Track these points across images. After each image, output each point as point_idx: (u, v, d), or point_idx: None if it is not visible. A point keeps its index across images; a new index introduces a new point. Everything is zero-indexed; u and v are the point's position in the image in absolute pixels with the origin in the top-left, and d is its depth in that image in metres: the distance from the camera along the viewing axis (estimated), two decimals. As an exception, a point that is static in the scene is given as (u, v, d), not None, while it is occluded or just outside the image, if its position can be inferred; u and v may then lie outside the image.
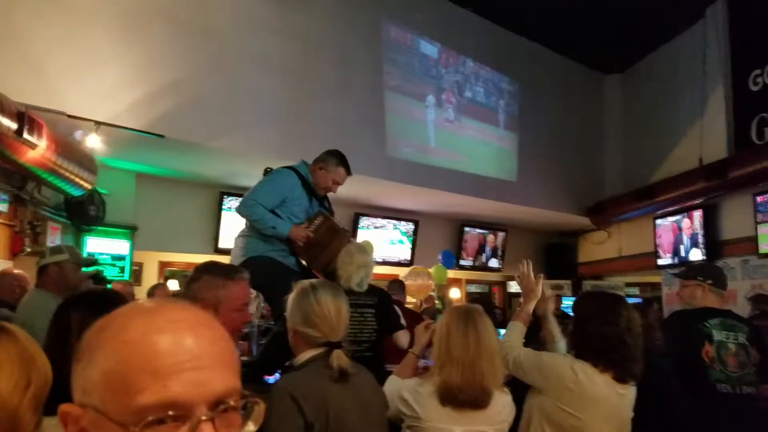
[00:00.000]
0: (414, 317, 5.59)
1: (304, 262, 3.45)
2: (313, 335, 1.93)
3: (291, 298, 2.02)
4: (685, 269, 3.22)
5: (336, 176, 3.51)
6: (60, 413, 0.64)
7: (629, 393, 2.22)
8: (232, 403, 0.65)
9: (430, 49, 7.54)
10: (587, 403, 2.16)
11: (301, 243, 3.29)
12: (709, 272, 2.98)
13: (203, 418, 0.61)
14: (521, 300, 2.66)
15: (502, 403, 2.11)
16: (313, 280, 2.12)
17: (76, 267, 3.21)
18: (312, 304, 1.97)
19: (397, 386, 2.21)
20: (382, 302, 3.17)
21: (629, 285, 9.42)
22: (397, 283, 5.52)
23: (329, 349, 1.90)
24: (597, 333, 2.18)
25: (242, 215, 3.32)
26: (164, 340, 0.63)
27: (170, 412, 0.60)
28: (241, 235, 3.43)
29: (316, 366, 1.89)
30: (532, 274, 2.64)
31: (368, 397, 1.95)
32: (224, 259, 7.59)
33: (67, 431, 0.64)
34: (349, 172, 3.57)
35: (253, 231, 3.35)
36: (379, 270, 8.06)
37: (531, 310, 2.59)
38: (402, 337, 3.19)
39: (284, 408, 1.71)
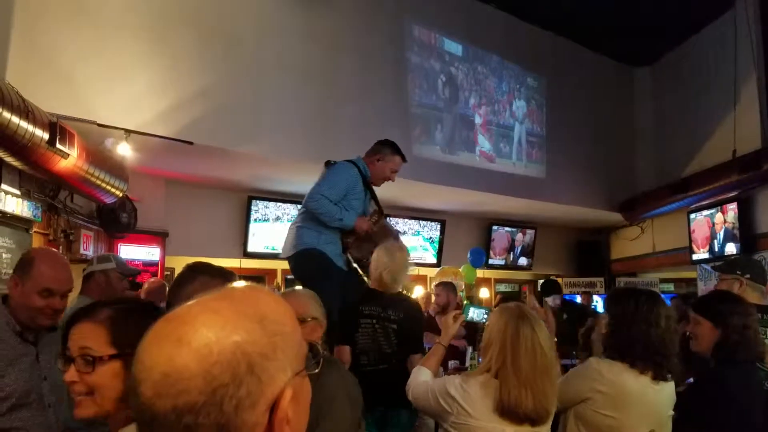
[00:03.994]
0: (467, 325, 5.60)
1: (351, 258, 3.55)
2: None
3: (316, 299, 2.18)
4: (724, 263, 3.13)
5: (393, 165, 3.64)
6: (278, 420, 0.66)
7: (666, 389, 2.17)
8: None
9: (454, 47, 7.50)
10: (621, 403, 2.12)
11: (362, 234, 3.42)
12: (747, 266, 2.89)
13: None
14: None
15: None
16: None
17: (121, 276, 3.26)
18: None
19: (439, 382, 2.14)
20: (407, 318, 3.01)
21: (663, 281, 9.26)
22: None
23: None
24: (634, 332, 2.14)
25: (310, 209, 3.38)
26: None
27: None
28: (296, 225, 3.49)
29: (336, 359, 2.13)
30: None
31: None
32: (253, 264, 7.68)
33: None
34: (404, 159, 3.72)
35: (309, 222, 3.41)
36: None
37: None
38: (414, 361, 3.05)
39: (344, 387, 1.98)
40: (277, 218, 7.40)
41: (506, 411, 1.91)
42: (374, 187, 3.70)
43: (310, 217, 3.41)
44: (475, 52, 7.70)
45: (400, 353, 2.98)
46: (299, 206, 3.69)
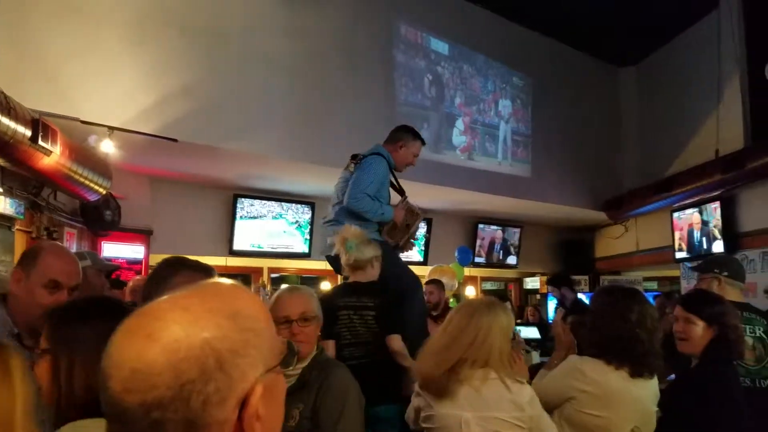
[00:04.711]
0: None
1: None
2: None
3: (313, 296, 2.22)
4: (702, 262, 3.18)
5: (416, 150, 3.79)
6: (248, 416, 0.66)
7: (649, 386, 2.19)
8: None
9: (441, 45, 7.51)
10: (605, 401, 2.14)
11: (400, 223, 3.55)
12: (725, 264, 2.94)
13: None
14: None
15: None
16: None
17: (98, 272, 3.23)
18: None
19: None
20: (382, 304, 3.05)
21: (647, 279, 9.35)
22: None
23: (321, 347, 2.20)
24: (609, 330, 2.16)
25: (354, 209, 3.44)
26: None
27: None
28: (336, 222, 3.53)
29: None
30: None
31: None
32: (239, 262, 7.65)
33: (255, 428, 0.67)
34: (424, 143, 3.87)
35: (349, 219, 3.45)
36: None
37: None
38: (393, 342, 3.03)
39: (357, 388, 2.06)
40: (263, 216, 7.38)
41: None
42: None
43: (348, 214, 3.48)
44: (462, 51, 7.71)
45: (380, 339, 2.99)
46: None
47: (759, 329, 2.70)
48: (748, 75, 7.11)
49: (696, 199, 7.68)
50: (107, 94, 4.77)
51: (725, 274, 2.83)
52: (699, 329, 2.33)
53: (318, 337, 2.14)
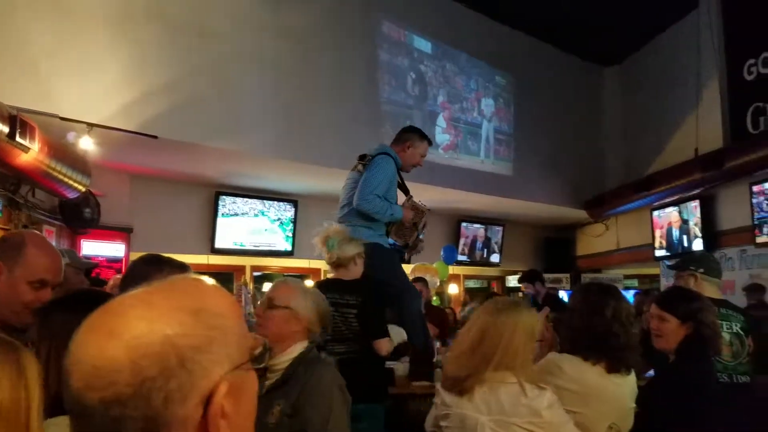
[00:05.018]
0: (439, 314, 5.68)
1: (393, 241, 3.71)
2: (317, 335, 2.09)
3: (306, 292, 2.14)
4: (679, 260, 3.21)
5: (423, 150, 3.82)
6: (212, 414, 0.65)
7: (627, 382, 2.20)
8: None
9: (423, 44, 7.52)
10: (583, 397, 2.15)
11: (408, 224, 3.61)
12: (701, 262, 2.97)
13: None
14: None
15: None
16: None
17: (77, 271, 3.20)
18: (327, 309, 2.16)
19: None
20: (365, 302, 3.05)
21: (628, 277, 9.44)
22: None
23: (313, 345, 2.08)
24: (584, 325, 2.18)
25: (364, 210, 3.43)
26: None
27: None
28: (345, 223, 3.50)
29: (328, 358, 2.15)
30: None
31: None
32: (221, 260, 7.61)
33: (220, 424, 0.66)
34: (431, 143, 3.90)
35: (359, 219, 3.48)
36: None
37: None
38: (382, 345, 3.06)
39: (341, 387, 1.98)
40: (245, 214, 7.35)
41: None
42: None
43: (357, 214, 3.48)
44: (445, 50, 7.73)
45: (362, 338, 3.00)
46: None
47: (736, 325, 2.74)
48: (728, 75, 7.21)
49: (676, 197, 7.78)
50: (87, 91, 4.72)
51: (701, 271, 2.86)
52: (672, 326, 2.35)
53: (302, 332, 2.07)
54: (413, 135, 3.80)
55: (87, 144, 4.75)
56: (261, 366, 0.76)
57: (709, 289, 2.79)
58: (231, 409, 0.66)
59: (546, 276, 9.34)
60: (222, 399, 0.65)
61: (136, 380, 0.61)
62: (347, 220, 3.51)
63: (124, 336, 0.62)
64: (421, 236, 3.83)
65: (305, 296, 2.09)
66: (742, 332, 2.73)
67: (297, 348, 2.02)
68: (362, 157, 3.66)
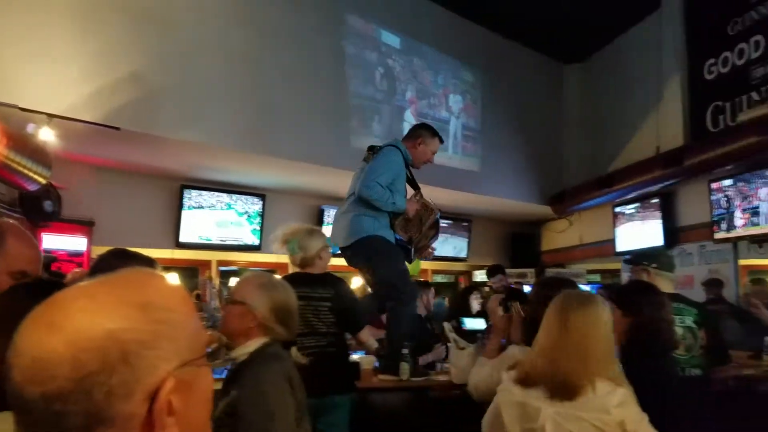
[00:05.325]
0: None
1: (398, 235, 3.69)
2: (279, 332, 2.03)
3: (262, 287, 2.06)
4: (633, 255, 3.30)
5: (434, 147, 3.84)
6: (157, 411, 0.64)
7: None
8: None
9: (392, 39, 7.53)
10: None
11: (411, 216, 3.61)
12: (653, 257, 3.07)
13: None
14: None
15: None
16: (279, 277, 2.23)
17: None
18: (287, 305, 2.07)
19: None
20: (338, 295, 3.08)
21: (591, 272, 9.60)
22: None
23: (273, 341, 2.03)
24: (537, 317, 2.23)
25: (365, 197, 3.45)
26: None
27: None
28: (351, 213, 3.54)
29: (286, 354, 2.04)
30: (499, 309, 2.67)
31: None
32: (186, 255, 7.51)
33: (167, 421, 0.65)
34: (442, 141, 3.93)
35: (364, 209, 3.49)
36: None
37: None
38: (363, 336, 3.22)
39: (285, 387, 1.88)
40: (212, 207, 7.27)
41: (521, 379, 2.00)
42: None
43: (363, 204, 3.49)
44: (413, 45, 7.74)
45: (337, 332, 3.02)
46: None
47: (689, 319, 2.82)
48: (688, 75, 7.39)
49: (637, 194, 7.93)
50: (48, 82, 4.62)
51: (654, 266, 2.95)
52: (615, 317, 2.42)
53: (259, 328, 2.05)
54: (425, 131, 3.82)
55: (47, 135, 4.66)
56: (217, 362, 0.75)
57: (662, 284, 2.87)
58: (180, 406, 0.65)
59: (512, 271, 9.50)
60: (168, 395, 0.64)
61: (77, 375, 0.60)
62: (351, 209, 3.54)
63: (66, 329, 0.61)
64: (432, 242, 3.87)
65: (262, 291, 2.04)
66: (695, 325, 2.81)
67: (253, 344, 1.99)
68: (371, 148, 3.70)
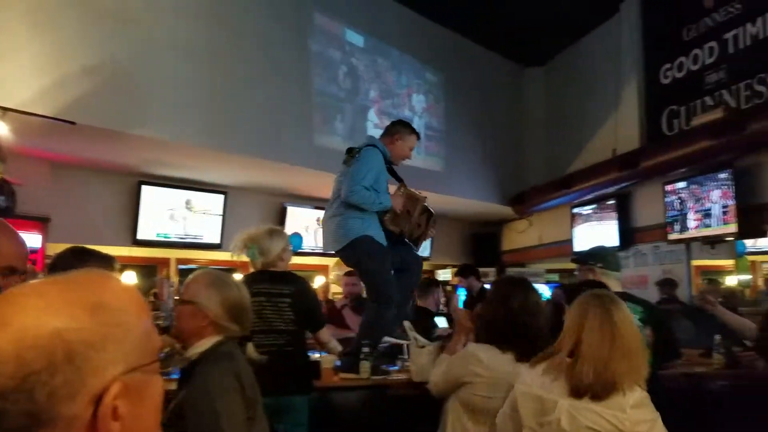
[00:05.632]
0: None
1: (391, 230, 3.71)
2: (233, 329, 1.99)
3: (211, 285, 2.01)
4: (579, 255, 3.38)
5: (411, 143, 3.86)
6: (101, 415, 0.63)
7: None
8: None
9: (356, 38, 7.54)
10: (495, 384, 2.25)
11: (399, 211, 3.64)
12: (598, 256, 3.14)
13: None
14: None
15: None
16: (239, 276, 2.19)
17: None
18: (240, 303, 2.03)
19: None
20: (300, 291, 3.08)
21: (550, 271, 9.77)
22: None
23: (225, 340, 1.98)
24: (495, 316, 2.28)
25: (353, 202, 3.45)
26: None
27: None
28: (339, 217, 3.52)
29: (239, 352, 1.98)
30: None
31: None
32: (143, 252, 7.37)
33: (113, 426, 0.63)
34: (419, 137, 3.97)
35: (350, 211, 3.49)
36: (306, 261, 8.06)
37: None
38: (323, 337, 3.23)
39: (233, 386, 1.81)
40: (171, 205, 7.17)
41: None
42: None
43: (349, 206, 3.49)
44: (377, 45, 7.76)
45: (296, 330, 3.02)
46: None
47: (635, 317, 2.89)
48: (645, 79, 7.58)
49: (594, 195, 8.10)
50: (3, 74, 4.50)
51: (599, 265, 3.03)
52: None
53: (210, 327, 1.96)
54: (402, 128, 3.85)
55: (1, 129, 4.54)
56: (168, 368, 0.74)
57: (609, 283, 2.95)
58: (126, 412, 0.64)
59: (472, 270, 9.61)
60: (114, 400, 0.63)
61: (20, 373, 0.59)
62: (338, 212, 3.54)
63: (12, 326, 0.60)
64: (430, 228, 3.92)
65: (212, 290, 1.99)
66: (641, 323, 2.88)
67: (206, 343, 1.94)
68: (350, 151, 3.71)
